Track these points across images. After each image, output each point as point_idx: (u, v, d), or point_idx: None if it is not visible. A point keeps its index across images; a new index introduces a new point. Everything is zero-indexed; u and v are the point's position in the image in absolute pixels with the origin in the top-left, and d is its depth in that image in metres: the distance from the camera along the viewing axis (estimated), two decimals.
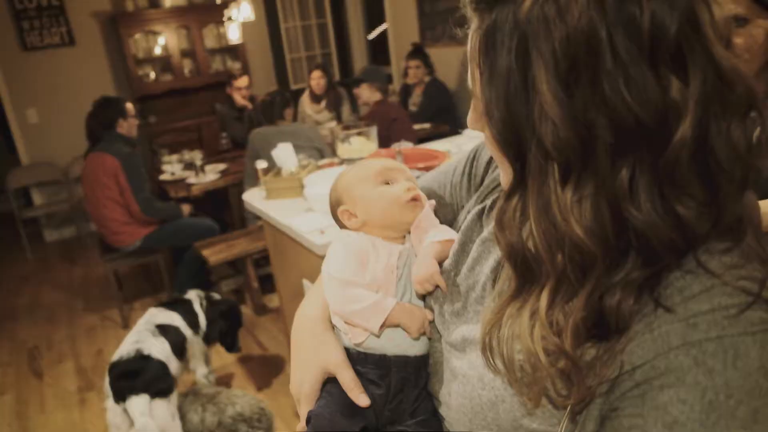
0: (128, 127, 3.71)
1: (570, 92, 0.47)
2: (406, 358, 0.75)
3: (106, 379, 2.27)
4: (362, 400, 0.73)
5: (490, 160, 0.82)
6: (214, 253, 3.46)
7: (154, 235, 3.75)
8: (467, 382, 0.66)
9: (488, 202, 0.78)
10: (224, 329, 2.72)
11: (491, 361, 0.59)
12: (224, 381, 3.10)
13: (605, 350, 0.52)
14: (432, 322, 0.76)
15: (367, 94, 4.32)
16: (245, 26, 5.67)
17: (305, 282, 2.30)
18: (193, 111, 6.13)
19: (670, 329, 0.49)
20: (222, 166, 4.40)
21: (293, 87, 6.78)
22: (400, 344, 0.75)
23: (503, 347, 0.57)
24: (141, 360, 2.31)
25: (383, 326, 0.73)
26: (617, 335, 0.51)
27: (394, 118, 4.08)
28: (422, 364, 0.76)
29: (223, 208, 4.55)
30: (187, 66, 6.18)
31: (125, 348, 2.38)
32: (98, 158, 3.59)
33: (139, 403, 2.18)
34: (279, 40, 6.83)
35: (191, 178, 4.21)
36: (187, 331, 2.60)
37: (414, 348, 0.75)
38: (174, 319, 2.60)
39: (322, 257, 2.02)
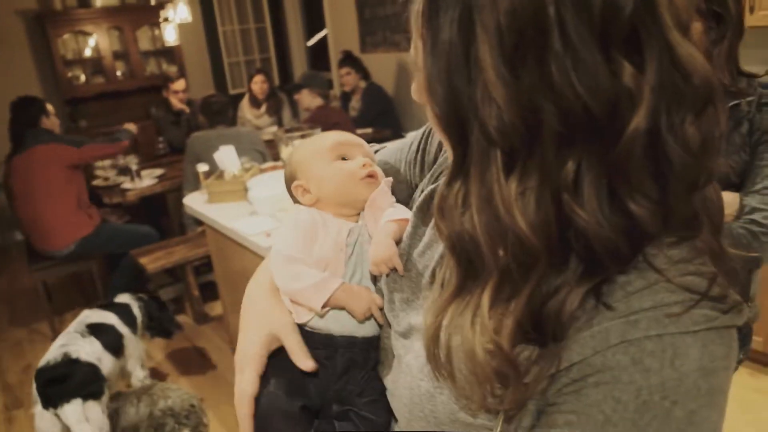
0: (51, 125, 3.61)
1: (516, 72, 0.43)
2: (353, 339, 0.73)
3: (34, 385, 2.22)
4: (307, 364, 0.70)
5: (440, 143, 0.81)
6: (152, 261, 3.34)
7: (90, 240, 3.59)
8: (409, 372, 0.64)
9: (441, 181, 0.78)
10: (159, 323, 2.78)
11: (433, 357, 0.57)
12: None
13: (543, 351, 0.50)
14: (382, 309, 0.74)
15: (308, 99, 4.29)
16: (182, 28, 5.54)
17: None
18: (127, 115, 5.88)
19: (610, 326, 0.46)
20: (159, 171, 4.26)
21: (231, 92, 6.66)
22: (346, 325, 0.73)
23: (444, 345, 0.55)
24: (69, 364, 2.27)
25: (326, 306, 0.72)
26: (554, 342, 0.48)
27: (336, 123, 4.07)
28: (371, 345, 0.74)
29: (161, 215, 4.41)
30: (120, 68, 5.97)
31: (52, 353, 2.33)
32: (33, 153, 3.45)
33: (73, 410, 2.14)
34: (217, 43, 6.70)
35: (126, 183, 4.06)
36: (123, 329, 2.59)
37: (362, 329, 0.73)
38: (109, 318, 2.58)
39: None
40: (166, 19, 4.83)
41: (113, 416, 2.26)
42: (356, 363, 0.73)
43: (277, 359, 0.74)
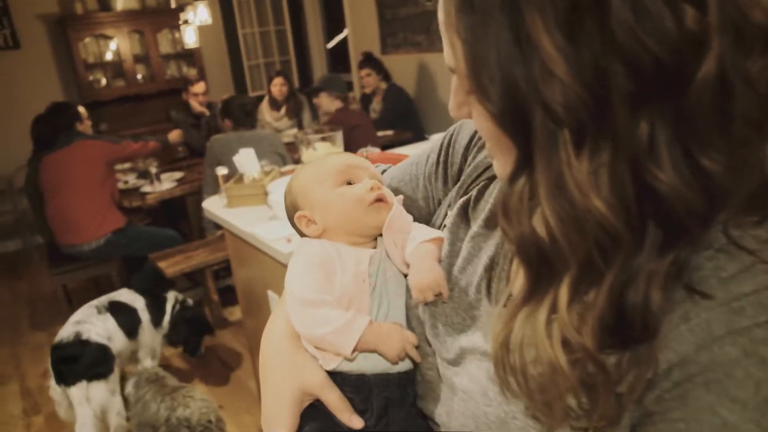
0: (84, 129, 3.70)
1: (575, 40, 0.40)
2: (387, 376, 0.66)
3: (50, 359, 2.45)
4: (355, 421, 0.64)
5: (468, 146, 0.75)
6: (171, 265, 3.30)
7: (118, 236, 3.59)
8: (469, 399, 0.58)
9: (473, 192, 0.71)
10: (187, 334, 2.86)
11: (504, 373, 0.51)
12: None
13: (633, 352, 0.45)
14: (418, 347, 0.67)
15: (326, 103, 4.23)
16: (202, 31, 5.52)
17: (270, 294, 2.19)
18: (147, 118, 5.92)
19: (711, 317, 0.43)
20: (178, 175, 4.24)
21: (251, 94, 6.64)
22: (379, 362, 0.66)
23: (515, 358, 0.49)
24: (79, 345, 2.45)
25: (355, 351, 0.65)
26: (644, 339, 0.44)
27: (356, 125, 4.00)
28: (407, 380, 0.68)
29: (180, 218, 4.39)
30: (140, 71, 5.98)
31: (66, 330, 2.52)
32: (75, 148, 3.53)
33: (77, 392, 2.38)
34: (236, 46, 6.69)
35: (146, 186, 4.04)
36: (145, 316, 2.77)
37: (397, 365, 0.67)
38: (137, 301, 2.78)
39: None
40: (185, 22, 4.81)
41: (137, 402, 2.33)
42: (394, 401, 0.66)
43: (308, 410, 0.67)
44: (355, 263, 0.70)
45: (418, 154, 0.85)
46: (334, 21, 6.63)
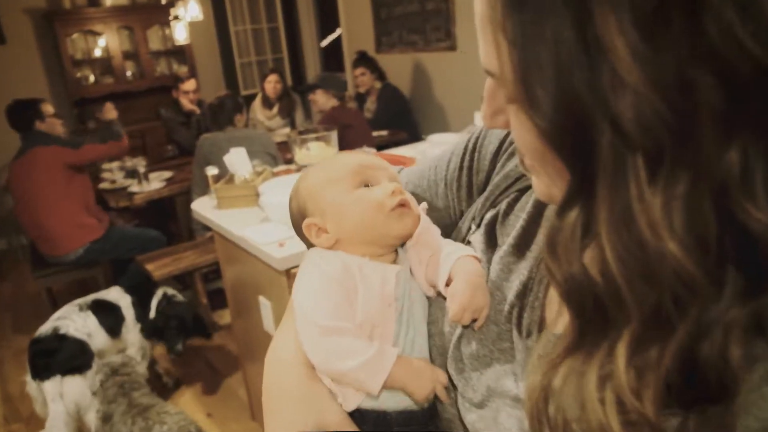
0: (48, 127, 3.48)
1: (656, 43, 0.33)
2: (411, 414, 0.58)
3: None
4: None
5: (498, 152, 0.67)
6: (158, 267, 3.19)
7: (99, 244, 3.47)
8: None
9: (502, 205, 0.64)
10: (165, 328, 2.79)
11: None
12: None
13: (701, 415, 0.37)
14: (447, 387, 0.59)
15: (323, 100, 4.14)
16: (193, 28, 5.41)
17: (262, 299, 2.10)
18: (136, 116, 5.80)
19: None
20: (167, 174, 4.13)
21: (243, 92, 6.54)
22: (403, 399, 0.58)
23: (555, 415, 0.42)
24: (56, 339, 2.46)
25: (383, 388, 0.57)
26: (720, 399, 0.37)
27: (349, 124, 3.92)
28: (429, 415, 0.60)
29: (169, 219, 4.28)
30: (129, 68, 5.86)
31: (46, 326, 2.54)
32: (31, 156, 3.34)
33: (51, 387, 2.36)
34: (228, 43, 6.58)
35: (134, 186, 3.93)
36: (129, 313, 2.76)
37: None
38: (122, 299, 2.76)
39: (281, 272, 1.84)
40: (176, 17, 4.71)
41: (106, 421, 2.26)
42: None
43: None
44: (380, 283, 0.61)
45: (437, 156, 0.76)
46: (327, 19, 6.54)
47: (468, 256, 0.63)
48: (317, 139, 2.64)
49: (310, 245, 0.70)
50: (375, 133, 4.46)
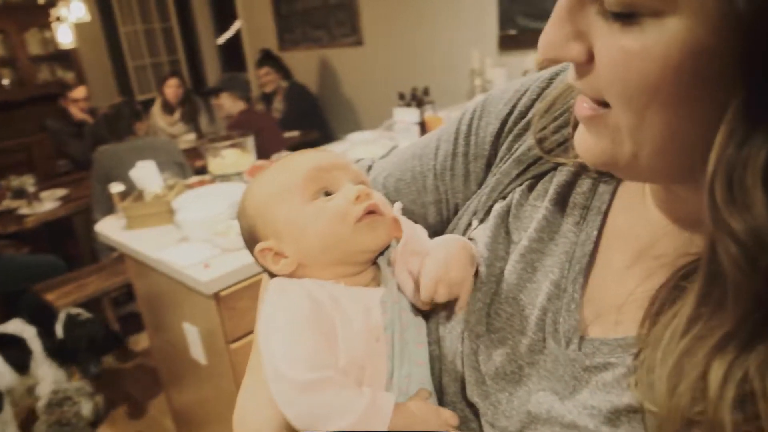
0: None
1: None
2: None
3: None
4: None
5: (500, 133, 0.59)
6: (61, 296, 2.90)
7: None
8: None
9: (514, 195, 0.56)
10: (76, 350, 2.61)
11: None
12: None
13: None
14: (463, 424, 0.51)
15: (229, 104, 3.93)
16: (78, 30, 4.99)
17: (187, 326, 1.93)
18: (18, 129, 5.27)
19: None
20: (61, 192, 3.77)
21: (139, 97, 6.13)
22: None
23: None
24: None
25: None
26: None
27: (261, 128, 3.74)
28: None
29: (67, 241, 3.91)
30: (6, 76, 5.32)
31: None
32: None
33: None
34: (118, 45, 6.14)
35: (23, 208, 3.54)
36: (36, 345, 2.52)
37: None
38: (26, 331, 2.54)
39: (210, 296, 1.69)
40: (58, 18, 4.30)
41: None
42: None
43: None
44: (363, 315, 0.52)
45: (420, 143, 0.67)
46: (225, 17, 6.25)
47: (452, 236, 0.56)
48: (232, 146, 2.48)
49: (272, 274, 0.59)
50: (286, 134, 4.31)
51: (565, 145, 0.54)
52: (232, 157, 2.46)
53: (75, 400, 2.47)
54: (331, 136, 4.45)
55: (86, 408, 2.53)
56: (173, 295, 1.94)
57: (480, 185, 0.61)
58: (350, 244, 0.55)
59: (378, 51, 4.49)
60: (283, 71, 4.82)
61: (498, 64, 3.56)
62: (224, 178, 2.43)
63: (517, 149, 0.57)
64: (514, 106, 0.59)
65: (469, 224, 0.60)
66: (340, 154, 0.62)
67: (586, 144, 0.42)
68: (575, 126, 0.46)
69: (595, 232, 0.50)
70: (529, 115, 0.57)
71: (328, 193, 0.57)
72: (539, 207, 0.54)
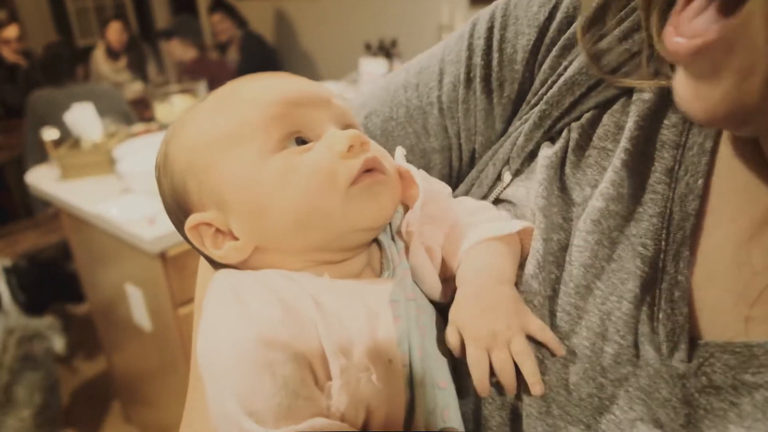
0: None
1: None
2: None
3: None
4: None
5: (537, 47, 0.43)
6: None
7: None
8: None
9: (572, 134, 0.40)
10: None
11: None
12: None
13: None
14: None
15: (180, 50, 3.65)
16: None
17: (129, 288, 1.74)
18: None
19: None
20: None
21: (81, 43, 5.70)
22: None
23: None
24: None
25: None
26: None
27: (215, 78, 3.49)
28: None
29: None
30: None
31: None
32: None
33: None
34: None
35: None
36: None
37: None
38: None
39: (154, 255, 1.50)
40: None
41: None
42: None
43: None
44: (365, 323, 0.35)
45: (413, 68, 0.50)
46: None
47: (492, 238, 0.39)
48: (182, 92, 2.26)
49: (209, 258, 0.42)
50: None
51: (637, 59, 0.38)
52: (182, 104, 2.24)
53: (45, 335, 2.29)
54: None
55: (59, 344, 2.37)
56: (114, 253, 1.74)
57: (509, 122, 0.46)
58: (340, 221, 0.38)
59: (340, 2, 4.25)
60: (238, 19, 4.52)
61: (469, 18, 3.39)
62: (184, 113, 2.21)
63: (566, 68, 0.42)
64: (555, 7, 0.43)
65: (498, 178, 0.44)
66: (316, 83, 0.44)
67: (693, 94, 0.29)
68: (650, 36, 0.32)
69: (701, 181, 0.35)
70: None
71: (301, 141, 0.39)
72: (611, 150, 0.39)
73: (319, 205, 0.37)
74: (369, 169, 0.38)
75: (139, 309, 1.75)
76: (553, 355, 0.35)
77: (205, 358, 0.35)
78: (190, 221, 0.40)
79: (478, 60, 0.46)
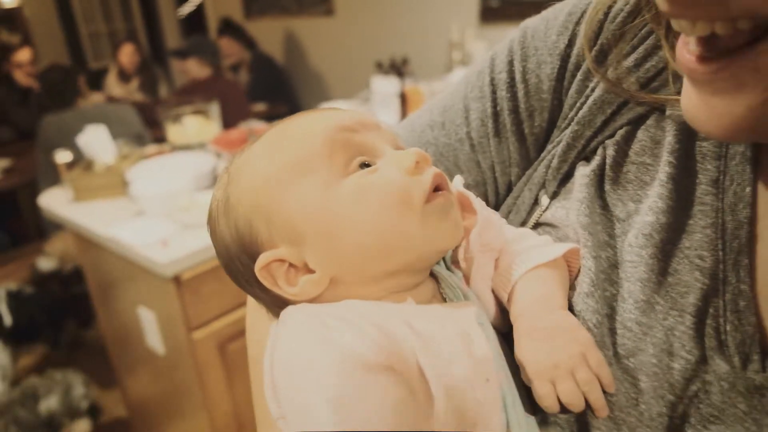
0: None
1: None
2: None
3: None
4: None
5: (561, 74, 0.43)
6: (3, 276, 2.64)
7: None
8: None
9: (608, 151, 0.40)
10: (40, 325, 2.46)
11: None
12: None
13: None
14: None
15: (195, 69, 3.66)
16: None
17: (142, 311, 1.72)
18: None
19: None
20: (5, 163, 3.50)
21: (94, 65, 5.78)
22: None
23: None
24: None
25: None
26: None
27: (227, 96, 3.49)
28: None
29: (11, 217, 3.62)
30: None
31: None
32: None
33: None
34: (69, 9, 5.74)
35: None
36: None
37: None
38: None
39: (168, 279, 1.48)
40: None
41: None
42: None
43: None
44: (462, 344, 0.34)
45: (435, 109, 0.50)
46: None
47: (539, 265, 0.38)
48: (194, 112, 2.25)
49: (270, 301, 0.40)
50: (253, 107, 4.08)
51: (663, 75, 0.38)
52: (194, 125, 2.23)
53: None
54: (301, 110, 4.23)
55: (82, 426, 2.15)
56: (127, 276, 1.72)
57: (542, 149, 0.45)
58: (420, 240, 0.36)
59: (350, 21, 4.28)
60: (246, 41, 4.56)
61: (479, 36, 3.39)
62: (185, 148, 2.20)
63: (593, 89, 0.42)
64: (573, 34, 0.43)
65: (535, 202, 0.44)
66: (368, 113, 0.44)
67: (709, 111, 0.28)
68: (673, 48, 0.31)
69: (749, 189, 0.35)
70: (602, 40, 0.41)
71: (365, 165, 0.38)
72: (650, 165, 0.39)
73: (397, 224, 0.36)
74: (439, 187, 0.38)
75: (152, 332, 1.73)
76: (604, 391, 0.33)
77: (299, 398, 0.32)
78: (262, 260, 0.38)
79: (503, 93, 0.46)
